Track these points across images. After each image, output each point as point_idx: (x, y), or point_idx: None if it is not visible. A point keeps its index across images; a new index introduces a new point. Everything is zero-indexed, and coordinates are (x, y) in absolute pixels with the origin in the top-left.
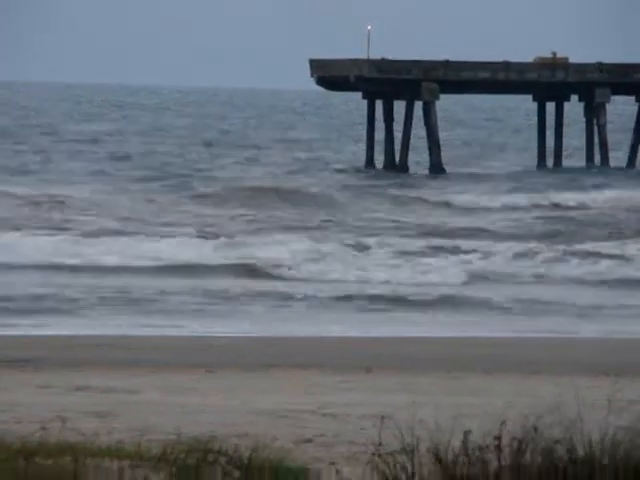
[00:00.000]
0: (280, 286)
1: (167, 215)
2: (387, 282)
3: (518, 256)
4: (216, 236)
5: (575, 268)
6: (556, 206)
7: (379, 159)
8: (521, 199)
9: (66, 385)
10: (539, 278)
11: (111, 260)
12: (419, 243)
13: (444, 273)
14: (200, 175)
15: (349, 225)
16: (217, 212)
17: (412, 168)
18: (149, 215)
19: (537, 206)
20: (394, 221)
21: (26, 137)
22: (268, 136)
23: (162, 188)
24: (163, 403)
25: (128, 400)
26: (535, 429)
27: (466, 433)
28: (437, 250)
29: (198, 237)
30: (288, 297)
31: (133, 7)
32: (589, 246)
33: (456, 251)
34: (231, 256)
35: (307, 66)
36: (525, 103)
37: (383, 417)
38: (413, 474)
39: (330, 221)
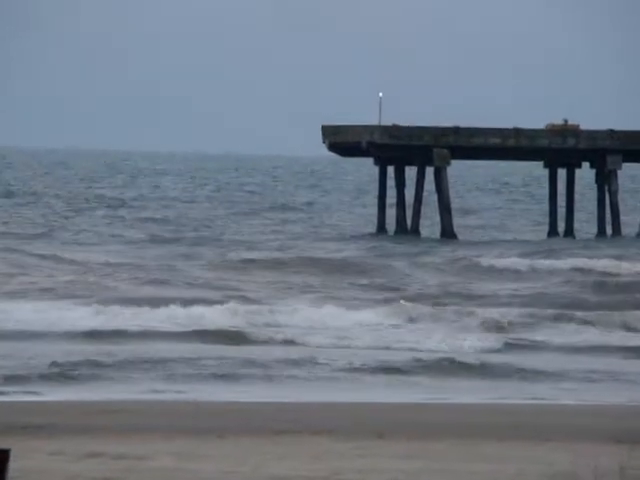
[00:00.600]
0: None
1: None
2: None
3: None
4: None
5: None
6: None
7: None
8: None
9: (78, 452)
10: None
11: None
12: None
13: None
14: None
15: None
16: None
17: (423, 233)
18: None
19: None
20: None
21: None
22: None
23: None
24: (174, 469)
25: (139, 467)
26: None
27: None
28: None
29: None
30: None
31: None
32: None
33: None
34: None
35: (319, 132)
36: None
37: None
38: None
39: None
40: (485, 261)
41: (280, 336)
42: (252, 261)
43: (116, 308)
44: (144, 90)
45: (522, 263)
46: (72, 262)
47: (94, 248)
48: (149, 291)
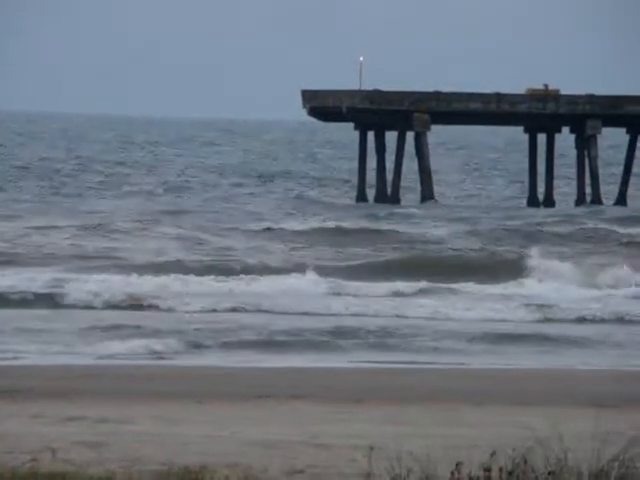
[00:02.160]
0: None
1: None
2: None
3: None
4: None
5: None
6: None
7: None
8: None
9: (57, 415)
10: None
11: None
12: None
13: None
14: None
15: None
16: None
17: (403, 200)
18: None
19: None
20: None
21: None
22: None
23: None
24: (155, 433)
25: (120, 430)
26: (525, 460)
27: (458, 464)
28: None
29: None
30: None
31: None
32: None
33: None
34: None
35: (299, 96)
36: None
37: (372, 448)
38: None
39: None
40: None
41: None
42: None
43: None
44: (142, 57)
45: None
46: None
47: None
48: None
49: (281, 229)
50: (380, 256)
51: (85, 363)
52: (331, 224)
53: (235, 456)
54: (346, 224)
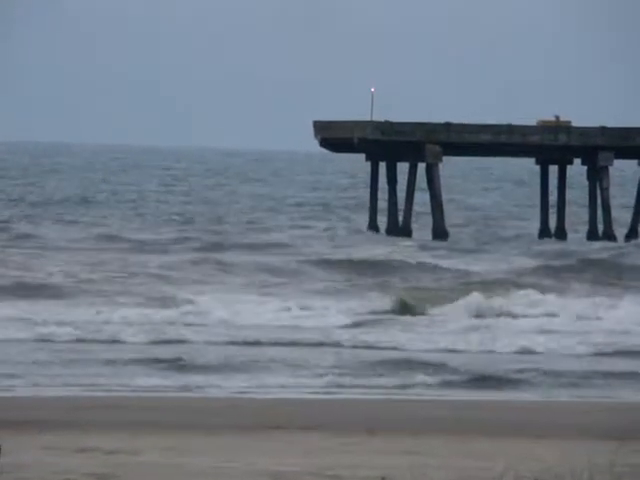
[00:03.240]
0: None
1: None
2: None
3: None
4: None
5: None
6: None
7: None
8: None
9: (70, 447)
10: None
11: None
12: None
13: None
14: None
15: None
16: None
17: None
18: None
19: None
20: None
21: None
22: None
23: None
24: (165, 465)
25: (130, 462)
26: None
27: None
28: None
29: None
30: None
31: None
32: None
33: None
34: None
35: (310, 128)
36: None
37: (384, 478)
38: None
39: None
40: None
41: None
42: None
43: None
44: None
45: None
46: None
47: None
48: None
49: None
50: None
51: (95, 394)
52: None
53: None
54: None
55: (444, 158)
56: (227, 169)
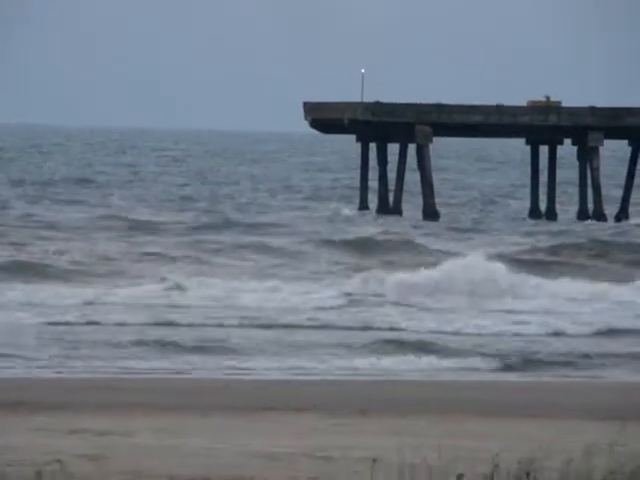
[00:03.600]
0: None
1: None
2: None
3: None
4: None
5: None
6: None
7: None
8: None
9: (61, 428)
10: None
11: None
12: None
13: None
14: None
15: None
16: None
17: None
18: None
19: None
20: None
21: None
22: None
23: None
24: (157, 446)
25: (122, 443)
26: (527, 474)
27: (459, 476)
28: None
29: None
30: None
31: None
32: None
33: None
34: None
35: (301, 109)
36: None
37: (375, 460)
38: None
39: None
40: None
41: None
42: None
43: None
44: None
45: None
46: None
47: None
48: None
49: None
50: None
51: (87, 376)
52: None
53: (238, 468)
54: None
55: (435, 139)
56: (225, 150)
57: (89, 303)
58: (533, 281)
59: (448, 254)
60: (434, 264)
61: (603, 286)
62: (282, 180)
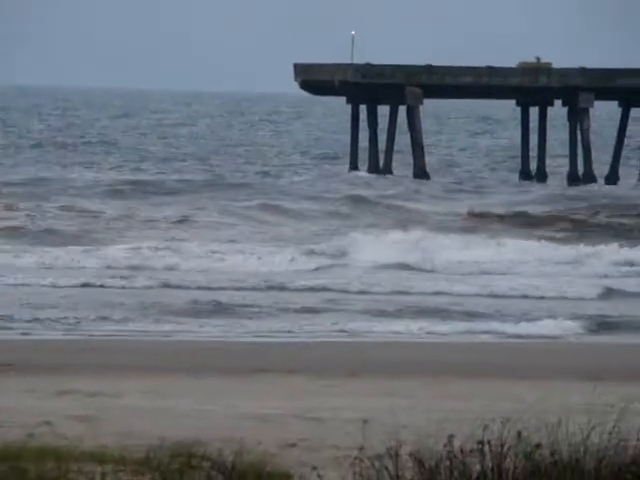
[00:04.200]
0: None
1: None
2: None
3: None
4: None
5: None
6: None
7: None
8: None
9: (51, 389)
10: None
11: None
12: None
13: None
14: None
15: None
16: None
17: (396, 173)
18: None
19: None
20: None
21: None
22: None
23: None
24: (147, 407)
25: (112, 405)
26: (518, 433)
27: (450, 437)
28: None
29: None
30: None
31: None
32: None
33: None
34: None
35: (291, 70)
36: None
37: (366, 421)
38: (396, 478)
39: None
40: None
41: None
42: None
43: None
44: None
45: None
46: None
47: None
48: None
49: None
50: None
51: (78, 337)
52: None
53: (229, 430)
54: None
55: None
56: (231, 112)
57: (74, 266)
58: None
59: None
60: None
61: None
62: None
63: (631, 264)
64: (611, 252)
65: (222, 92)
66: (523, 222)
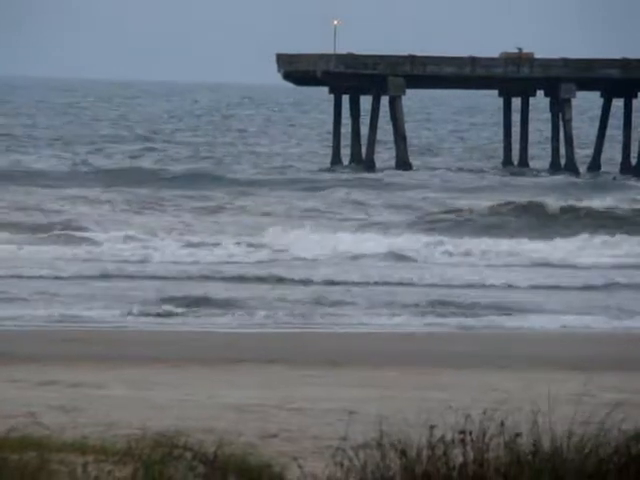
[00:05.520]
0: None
1: None
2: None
3: None
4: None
5: None
6: None
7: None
8: None
9: (32, 379)
10: None
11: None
12: None
13: None
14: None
15: None
16: None
17: (378, 164)
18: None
19: None
20: None
21: None
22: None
23: None
24: (129, 398)
25: (94, 395)
26: (502, 424)
27: (431, 428)
28: None
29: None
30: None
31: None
32: None
33: None
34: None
35: (274, 61)
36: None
37: (350, 412)
38: (377, 468)
39: None
40: None
41: None
42: None
43: None
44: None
45: None
46: None
47: None
48: None
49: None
50: None
51: (59, 328)
52: None
53: (210, 420)
54: None
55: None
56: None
57: (62, 258)
58: None
59: None
60: None
61: None
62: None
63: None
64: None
65: (197, 83)
66: None
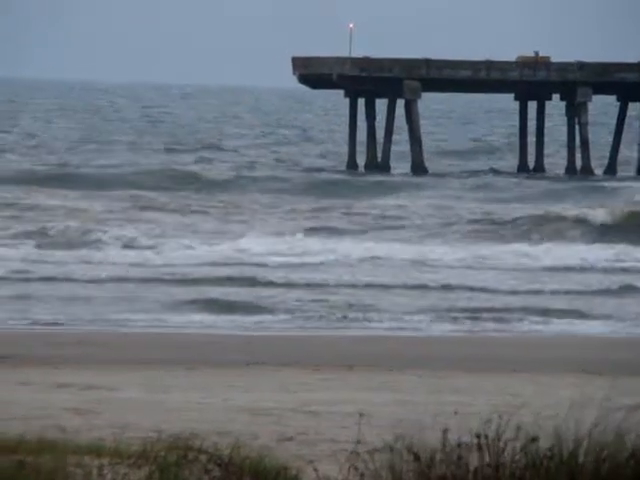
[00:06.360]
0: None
1: None
2: None
3: None
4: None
5: None
6: None
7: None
8: None
9: (47, 382)
10: None
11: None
12: None
13: None
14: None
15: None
16: None
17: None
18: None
19: None
20: None
21: None
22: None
23: None
24: (144, 400)
25: (109, 397)
26: (518, 428)
27: (445, 431)
28: None
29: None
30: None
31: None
32: None
33: None
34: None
35: (289, 64)
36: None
37: (362, 415)
38: (392, 472)
39: None
40: None
41: None
42: None
43: None
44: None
45: None
46: None
47: None
48: None
49: None
50: None
51: (73, 331)
52: None
53: (225, 423)
54: None
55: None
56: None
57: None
58: None
59: None
60: None
61: None
62: None
63: None
64: None
65: (216, 85)
66: None
